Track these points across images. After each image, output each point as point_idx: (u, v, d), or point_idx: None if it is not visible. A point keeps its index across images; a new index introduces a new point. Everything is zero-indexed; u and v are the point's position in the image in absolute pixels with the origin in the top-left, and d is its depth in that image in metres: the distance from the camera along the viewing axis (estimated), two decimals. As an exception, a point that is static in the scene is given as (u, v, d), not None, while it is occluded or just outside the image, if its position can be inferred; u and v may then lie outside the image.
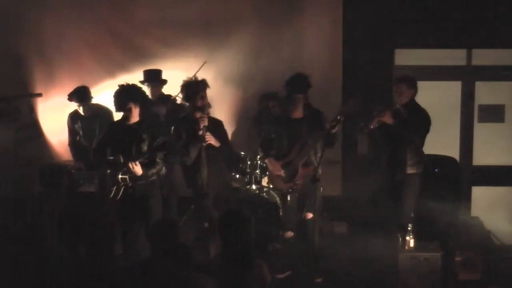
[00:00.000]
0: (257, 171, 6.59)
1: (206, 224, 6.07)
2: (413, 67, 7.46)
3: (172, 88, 6.87)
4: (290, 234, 6.29)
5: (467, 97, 7.64)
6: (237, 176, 6.74)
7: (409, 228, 5.67)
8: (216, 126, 6.05)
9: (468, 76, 7.63)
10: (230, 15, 7.41)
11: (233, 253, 4.12)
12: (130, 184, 5.51)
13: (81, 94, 6.84)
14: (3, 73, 7.43)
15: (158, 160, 5.55)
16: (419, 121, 5.94)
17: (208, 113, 5.92)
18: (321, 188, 6.73)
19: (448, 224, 6.18)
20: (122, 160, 5.49)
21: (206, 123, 5.82)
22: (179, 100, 6.81)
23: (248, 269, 4.08)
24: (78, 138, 7.02)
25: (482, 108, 7.66)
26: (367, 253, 6.03)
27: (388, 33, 7.35)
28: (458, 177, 7.06)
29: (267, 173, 6.37)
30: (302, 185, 5.95)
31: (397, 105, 6.06)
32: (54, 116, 7.50)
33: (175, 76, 6.91)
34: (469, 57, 7.58)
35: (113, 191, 5.53)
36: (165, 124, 6.53)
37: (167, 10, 7.41)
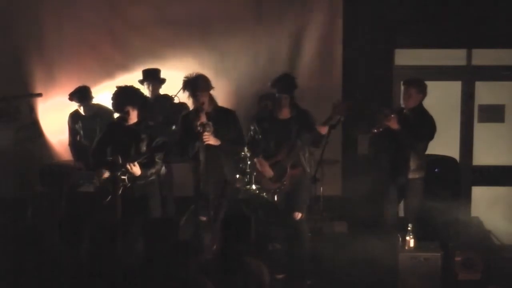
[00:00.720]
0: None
1: (203, 218, 6.03)
2: (413, 67, 7.47)
3: (172, 88, 6.88)
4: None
5: (467, 97, 7.63)
6: (237, 176, 6.74)
7: (409, 228, 5.67)
8: (226, 117, 5.95)
9: (468, 76, 7.63)
10: (230, 15, 7.41)
11: (233, 253, 4.12)
12: (129, 184, 5.51)
13: (82, 94, 6.84)
14: (3, 73, 7.42)
15: (157, 160, 5.55)
16: (425, 127, 5.90)
17: (204, 111, 5.80)
18: (321, 188, 6.77)
19: (448, 224, 6.17)
20: (120, 161, 5.49)
21: (203, 119, 5.72)
22: (177, 100, 6.81)
23: (248, 269, 4.07)
24: (78, 138, 7.02)
25: (482, 108, 7.65)
26: (367, 253, 6.03)
27: (388, 33, 7.35)
28: (458, 177, 7.06)
29: (255, 173, 6.34)
30: (289, 185, 5.95)
31: (404, 109, 6.03)
32: (54, 116, 7.49)
33: (174, 76, 6.92)
34: (469, 57, 7.57)
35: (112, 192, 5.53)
36: (164, 124, 6.52)
37: (167, 10, 7.41)
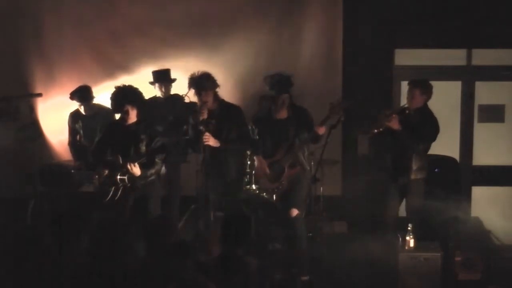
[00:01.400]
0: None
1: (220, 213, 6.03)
2: (413, 67, 7.47)
3: (174, 87, 6.89)
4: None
5: (467, 97, 7.63)
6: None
7: (409, 228, 5.67)
8: (231, 113, 5.96)
9: (468, 76, 7.63)
10: (230, 15, 7.41)
11: (233, 253, 4.12)
12: (129, 184, 5.51)
13: (82, 94, 6.84)
14: (3, 73, 7.42)
15: (157, 160, 5.55)
16: (427, 129, 5.89)
17: (207, 107, 5.81)
18: (321, 188, 6.77)
19: (448, 224, 6.17)
20: (121, 161, 5.50)
21: (205, 116, 5.73)
22: (187, 99, 6.78)
23: (248, 269, 4.08)
24: (78, 137, 7.02)
25: (482, 108, 7.65)
26: (367, 253, 6.03)
27: (388, 33, 7.35)
28: (458, 177, 7.06)
29: (253, 172, 6.34)
30: (288, 184, 5.95)
31: (407, 109, 6.02)
32: (54, 116, 7.49)
33: (175, 76, 6.94)
34: (469, 57, 7.57)
35: (112, 192, 5.53)
36: (175, 124, 6.51)
37: (167, 10, 7.41)
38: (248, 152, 6.46)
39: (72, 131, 7.06)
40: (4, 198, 7.07)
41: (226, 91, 7.34)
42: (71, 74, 7.44)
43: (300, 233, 5.90)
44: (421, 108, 5.95)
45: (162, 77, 6.95)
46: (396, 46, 7.52)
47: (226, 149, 5.87)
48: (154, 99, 6.86)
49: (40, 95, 7.54)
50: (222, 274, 4.06)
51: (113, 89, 5.73)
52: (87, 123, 6.93)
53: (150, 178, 5.61)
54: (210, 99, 5.82)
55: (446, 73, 7.56)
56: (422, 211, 5.99)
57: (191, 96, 6.16)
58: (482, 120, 7.67)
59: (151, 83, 6.88)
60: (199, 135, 5.77)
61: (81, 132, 6.98)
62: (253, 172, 6.47)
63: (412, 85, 5.99)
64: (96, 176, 5.70)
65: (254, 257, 4.21)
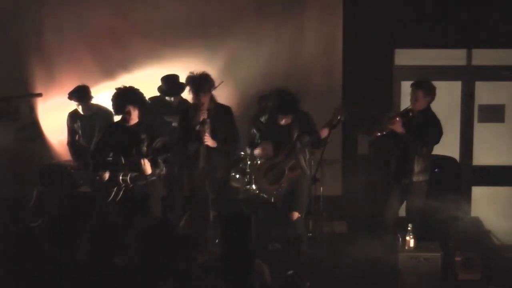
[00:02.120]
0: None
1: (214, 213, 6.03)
2: (413, 67, 7.47)
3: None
4: None
5: (467, 97, 7.63)
6: (237, 176, 6.74)
7: (409, 228, 5.67)
8: (222, 113, 5.98)
9: (468, 76, 7.62)
10: (230, 15, 7.41)
11: (233, 254, 4.11)
12: (131, 185, 5.52)
13: (81, 93, 6.84)
14: (3, 73, 7.42)
15: (159, 160, 5.55)
16: (431, 131, 5.88)
17: (206, 108, 5.82)
18: (321, 188, 6.77)
19: (448, 224, 6.17)
20: (123, 161, 5.50)
21: (205, 116, 5.75)
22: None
23: (249, 269, 4.07)
24: (77, 137, 7.02)
25: (482, 108, 7.65)
26: (367, 253, 6.03)
27: (388, 33, 7.35)
28: (458, 177, 7.05)
29: (253, 176, 6.33)
30: (287, 187, 5.95)
31: (410, 111, 6.02)
32: (54, 116, 7.49)
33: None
34: (469, 57, 7.57)
35: (113, 192, 5.53)
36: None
37: (167, 10, 7.41)
38: (248, 152, 6.46)
39: (71, 131, 7.06)
40: (4, 198, 7.07)
41: (226, 91, 7.35)
42: (71, 74, 7.44)
43: (300, 234, 5.91)
44: (425, 110, 5.93)
45: (173, 88, 6.87)
46: (396, 46, 7.52)
47: (216, 149, 5.86)
48: (160, 98, 6.86)
49: (40, 95, 7.54)
50: (223, 274, 4.06)
51: (114, 91, 5.72)
52: (85, 123, 6.93)
53: (151, 178, 5.61)
54: (207, 100, 5.83)
55: (446, 73, 7.55)
56: (422, 212, 5.99)
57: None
58: (482, 120, 7.67)
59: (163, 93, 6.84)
60: (190, 136, 5.79)
61: (80, 132, 6.98)
62: (253, 173, 6.50)
63: (415, 86, 5.96)
64: (97, 177, 5.69)
65: (255, 257, 4.20)
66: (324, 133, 5.76)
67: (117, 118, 6.12)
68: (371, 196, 6.77)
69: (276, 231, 6.41)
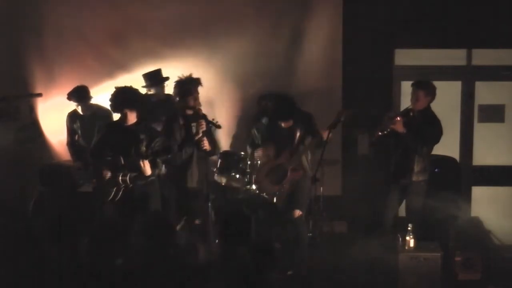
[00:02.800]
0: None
1: (197, 221, 6.05)
2: (413, 67, 7.47)
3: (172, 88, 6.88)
4: None
5: (467, 97, 7.63)
6: (237, 176, 6.74)
7: (409, 228, 5.68)
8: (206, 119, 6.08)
9: (468, 76, 7.62)
10: (230, 15, 7.40)
11: (234, 254, 4.12)
12: (131, 185, 5.52)
13: (80, 94, 6.84)
14: (3, 73, 7.42)
15: (158, 160, 5.55)
16: (431, 131, 5.88)
17: (203, 118, 5.93)
18: (321, 188, 6.77)
19: (448, 224, 6.17)
20: (122, 161, 5.50)
21: (204, 127, 5.86)
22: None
23: (249, 269, 4.07)
24: (77, 137, 7.01)
25: (482, 108, 7.65)
26: (367, 253, 6.03)
27: (388, 33, 7.34)
28: (458, 177, 7.06)
29: (254, 177, 6.35)
30: (288, 189, 5.96)
31: (410, 110, 6.02)
32: (54, 116, 7.49)
33: (175, 76, 6.92)
34: (469, 57, 7.57)
35: (113, 193, 5.54)
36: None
37: (167, 10, 7.40)
38: (249, 152, 6.47)
39: (70, 132, 7.06)
40: (4, 198, 7.07)
41: (226, 91, 7.38)
42: (71, 74, 7.43)
43: (301, 233, 5.93)
44: (425, 110, 5.94)
45: (154, 81, 6.93)
46: (396, 46, 7.52)
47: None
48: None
49: (40, 95, 7.54)
50: (223, 275, 4.06)
51: (113, 89, 5.73)
52: (85, 123, 6.93)
53: (150, 178, 5.61)
54: (196, 102, 5.94)
55: (446, 73, 7.55)
56: (422, 212, 5.99)
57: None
58: (482, 120, 7.66)
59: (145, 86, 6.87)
60: (186, 140, 5.84)
61: (79, 132, 6.98)
62: (253, 173, 6.49)
63: (416, 86, 5.98)
64: (96, 177, 5.69)
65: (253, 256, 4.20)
66: (326, 134, 5.79)
67: (116, 117, 6.13)
68: (371, 196, 6.77)
69: (276, 231, 6.41)
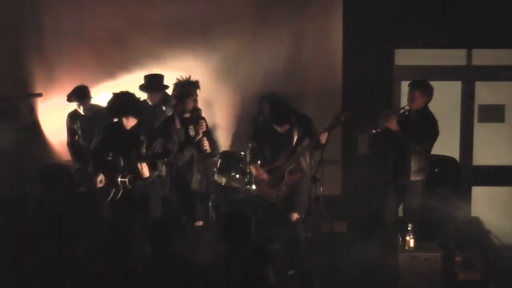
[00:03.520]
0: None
1: (199, 223, 6.04)
2: (413, 67, 7.47)
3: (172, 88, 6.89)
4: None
5: (467, 97, 7.63)
6: (237, 176, 6.74)
7: (409, 228, 5.67)
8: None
9: (468, 76, 7.62)
10: (230, 16, 7.41)
11: (234, 254, 4.12)
12: (130, 186, 5.52)
13: (80, 93, 6.83)
14: (3, 73, 7.42)
15: (158, 162, 5.55)
16: (427, 130, 5.87)
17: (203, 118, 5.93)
18: (321, 188, 6.78)
19: (448, 224, 6.17)
20: (122, 163, 5.50)
21: (204, 128, 5.85)
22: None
23: (250, 269, 4.07)
24: (77, 138, 7.01)
25: (482, 108, 7.65)
26: (367, 253, 6.03)
27: (388, 33, 7.34)
28: (458, 177, 7.05)
29: (253, 177, 6.35)
30: (287, 189, 5.96)
31: (407, 111, 6.02)
32: (54, 116, 7.49)
33: (175, 77, 6.93)
34: (469, 57, 7.57)
35: (112, 193, 5.54)
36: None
37: (167, 10, 7.41)
38: (248, 158, 6.47)
39: (71, 132, 7.05)
40: (4, 198, 7.07)
41: (227, 91, 7.39)
42: (71, 74, 7.44)
43: (300, 235, 5.92)
44: (421, 110, 5.94)
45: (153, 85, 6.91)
46: (396, 46, 7.52)
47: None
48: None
49: (40, 95, 7.54)
50: (223, 275, 4.06)
51: (114, 90, 5.73)
52: (85, 123, 6.92)
53: (149, 180, 5.61)
54: (195, 104, 5.94)
55: (446, 73, 7.55)
56: (420, 212, 5.98)
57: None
58: (482, 120, 7.66)
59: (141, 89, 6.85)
60: (186, 141, 5.85)
61: (79, 132, 6.97)
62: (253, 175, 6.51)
63: (412, 86, 5.98)
64: (96, 178, 5.69)
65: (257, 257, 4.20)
66: (324, 136, 5.77)
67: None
68: (371, 196, 6.76)
69: (276, 231, 6.41)
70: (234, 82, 7.40)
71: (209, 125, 6.12)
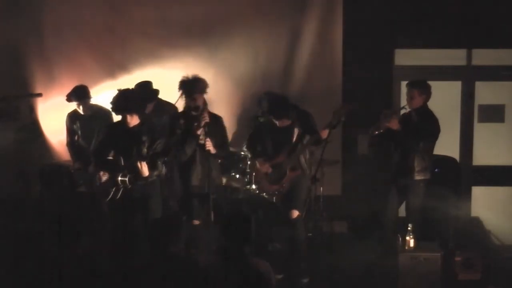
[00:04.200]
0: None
1: (196, 222, 6.03)
2: (413, 67, 7.47)
3: (173, 88, 6.87)
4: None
5: (467, 97, 7.63)
6: (237, 176, 6.74)
7: (409, 228, 5.67)
8: (216, 122, 5.97)
9: (468, 76, 7.62)
10: (230, 15, 7.41)
11: (234, 254, 4.12)
12: (130, 186, 5.51)
13: (80, 93, 6.82)
14: (3, 73, 7.42)
15: (159, 162, 5.54)
16: (428, 129, 5.88)
17: (206, 111, 5.84)
18: (321, 188, 6.78)
19: (448, 224, 6.17)
20: (122, 162, 5.50)
21: (207, 119, 5.75)
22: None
23: (251, 269, 4.07)
24: (76, 138, 7.01)
25: (482, 108, 7.65)
26: (367, 253, 6.03)
27: (388, 33, 7.35)
28: (458, 177, 7.06)
29: (253, 174, 6.34)
30: (288, 188, 5.96)
31: (407, 110, 6.03)
32: (54, 116, 7.49)
33: (175, 77, 6.91)
34: (469, 57, 7.57)
35: (112, 193, 5.54)
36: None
37: (167, 10, 7.41)
38: (248, 154, 6.47)
39: (70, 132, 7.04)
40: (4, 198, 7.07)
41: (226, 91, 7.39)
42: (71, 74, 7.44)
43: (300, 234, 5.92)
44: (421, 109, 5.96)
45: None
46: (396, 46, 7.52)
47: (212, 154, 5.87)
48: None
49: (40, 95, 7.54)
50: (224, 275, 4.06)
51: (114, 89, 5.72)
52: (84, 123, 6.91)
53: (151, 179, 5.60)
54: (201, 103, 5.86)
55: (446, 73, 7.55)
56: (422, 212, 5.99)
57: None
58: (482, 120, 7.67)
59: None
60: (187, 137, 5.82)
61: (79, 132, 6.96)
62: (253, 172, 6.49)
63: (410, 86, 6.01)
64: (96, 178, 5.69)
65: (260, 257, 4.20)
66: (324, 134, 5.77)
67: (116, 117, 6.12)
68: (371, 196, 6.76)
69: (276, 231, 6.41)
70: (234, 82, 7.41)
71: (224, 125, 6.04)
